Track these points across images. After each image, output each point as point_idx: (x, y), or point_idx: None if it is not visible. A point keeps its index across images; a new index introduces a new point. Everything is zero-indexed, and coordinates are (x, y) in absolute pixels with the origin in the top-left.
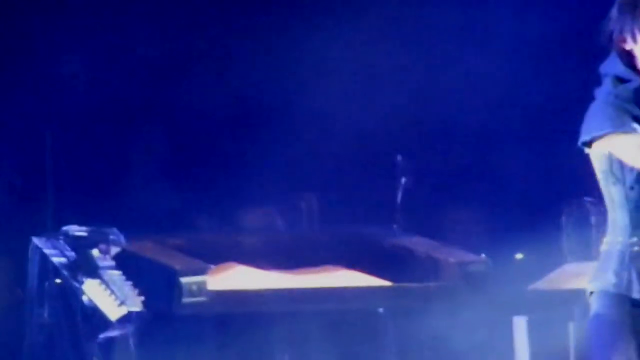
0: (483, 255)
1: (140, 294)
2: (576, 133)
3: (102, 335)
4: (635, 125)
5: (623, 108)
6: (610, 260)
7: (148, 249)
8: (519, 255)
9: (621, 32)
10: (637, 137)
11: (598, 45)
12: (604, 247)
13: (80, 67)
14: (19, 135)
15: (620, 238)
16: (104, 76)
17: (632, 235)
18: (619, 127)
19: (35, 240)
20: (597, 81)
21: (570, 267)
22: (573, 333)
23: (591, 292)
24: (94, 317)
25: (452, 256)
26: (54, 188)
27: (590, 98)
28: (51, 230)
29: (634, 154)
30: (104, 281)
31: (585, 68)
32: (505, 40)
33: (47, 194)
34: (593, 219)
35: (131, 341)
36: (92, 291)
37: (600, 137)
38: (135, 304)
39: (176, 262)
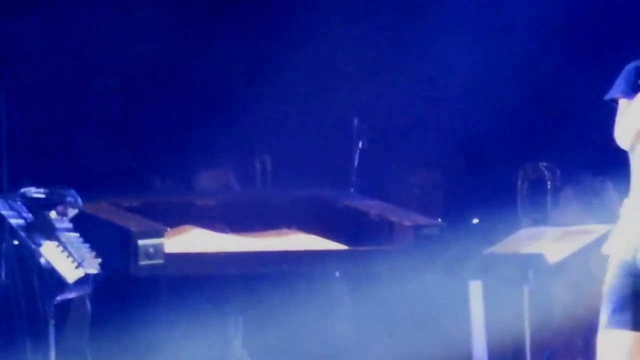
0: (439, 219)
1: (97, 256)
2: (534, 98)
3: (58, 297)
4: None
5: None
6: (624, 225)
7: (105, 210)
8: (474, 220)
9: None
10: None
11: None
12: (622, 210)
13: (36, 27)
14: None
15: (635, 202)
16: (59, 37)
17: None
18: (624, 93)
19: None
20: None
21: (525, 232)
22: (528, 297)
23: (608, 255)
24: (51, 279)
25: (407, 219)
26: (9, 149)
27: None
28: (7, 191)
29: (618, 121)
30: (61, 243)
31: (541, 38)
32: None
33: (2, 155)
34: (549, 184)
35: (88, 303)
36: (49, 253)
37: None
38: (92, 266)
39: (133, 224)
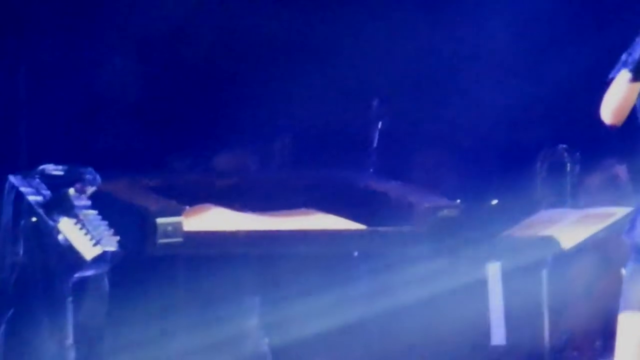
0: (458, 201)
1: (115, 234)
2: (555, 81)
3: (76, 275)
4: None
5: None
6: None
7: (124, 189)
8: (493, 201)
9: None
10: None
11: None
12: None
13: (56, 3)
14: None
15: None
16: (80, 11)
17: None
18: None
19: (11, 178)
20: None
21: (544, 214)
22: (546, 279)
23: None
24: (69, 256)
25: (426, 201)
26: (28, 126)
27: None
28: (25, 168)
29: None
30: (79, 220)
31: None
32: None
33: (21, 133)
34: (568, 166)
35: (105, 281)
36: (68, 230)
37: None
38: (110, 243)
39: (151, 202)
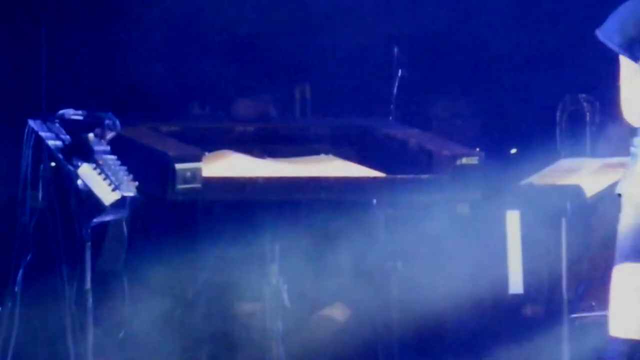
0: (477, 149)
1: (134, 180)
2: (577, 29)
3: (95, 220)
4: None
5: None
6: (631, 164)
7: (143, 134)
8: (513, 150)
9: None
10: None
11: None
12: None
13: None
14: (13, 17)
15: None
16: None
17: None
18: (623, 48)
19: (31, 123)
20: None
21: (564, 163)
22: (565, 228)
23: (619, 194)
24: (88, 202)
25: (445, 149)
26: (49, 71)
27: None
28: (45, 113)
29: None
30: (98, 166)
31: None
32: None
33: (41, 77)
34: (588, 116)
35: (124, 226)
36: (87, 175)
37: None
38: (130, 189)
39: (171, 148)
